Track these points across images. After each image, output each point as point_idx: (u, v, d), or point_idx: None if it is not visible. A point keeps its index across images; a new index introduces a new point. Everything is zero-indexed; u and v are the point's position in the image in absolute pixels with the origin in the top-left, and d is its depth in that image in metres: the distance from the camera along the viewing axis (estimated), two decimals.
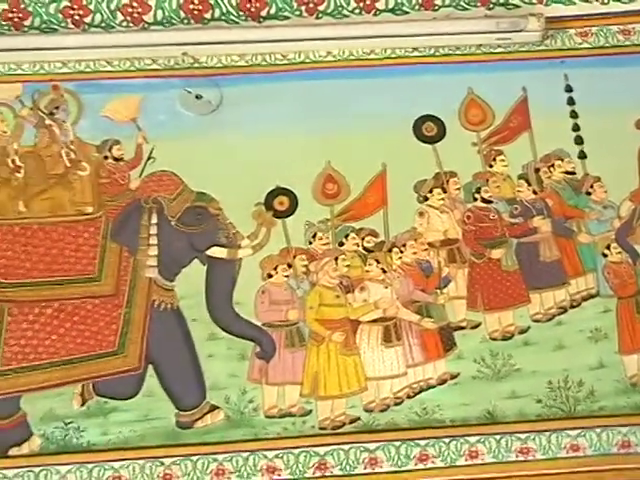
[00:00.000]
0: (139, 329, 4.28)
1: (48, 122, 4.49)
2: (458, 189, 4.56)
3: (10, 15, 4.53)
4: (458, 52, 4.70)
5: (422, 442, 4.18)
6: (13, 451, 4.07)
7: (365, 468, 4.14)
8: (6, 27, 4.53)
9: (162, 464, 4.08)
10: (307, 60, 4.64)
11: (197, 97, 4.58)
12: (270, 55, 4.63)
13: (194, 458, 4.10)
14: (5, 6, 4.52)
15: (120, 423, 4.12)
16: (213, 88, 4.58)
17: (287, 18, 4.64)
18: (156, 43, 4.54)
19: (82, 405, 4.16)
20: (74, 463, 4.05)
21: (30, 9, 4.54)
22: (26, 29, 4.54)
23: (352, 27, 4.62)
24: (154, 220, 4.41)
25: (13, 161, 4.44)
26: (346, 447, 4.14)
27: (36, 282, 4.28)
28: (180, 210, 4.43)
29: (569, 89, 4.70)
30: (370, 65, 4.66)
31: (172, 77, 4.57)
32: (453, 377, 4.30)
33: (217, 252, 4.39)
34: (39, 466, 4.04)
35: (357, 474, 4.12)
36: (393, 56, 4.65)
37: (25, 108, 4.50)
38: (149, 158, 4.48)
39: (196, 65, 4.61)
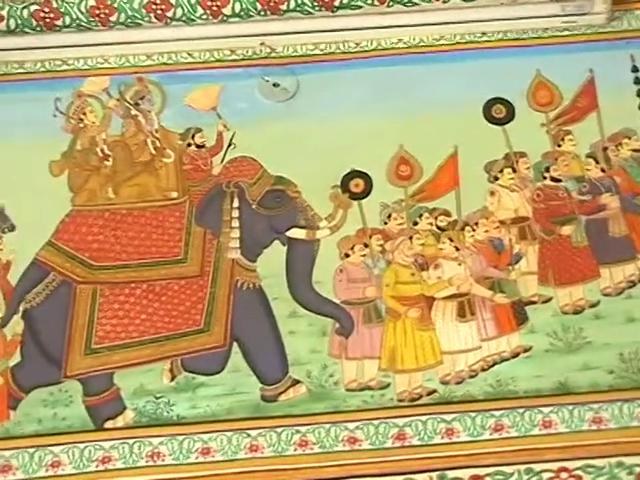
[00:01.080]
0: (223, 308, 4.49)
1: (134, 112, 4.72)
2: (528, 168, 4.69)
3: (97, 12, 4.77)
4: (525, 36, 4.83)
5: (497, 413, 4.30)
6: (108, 424, 4.26)
7: (442, 438, 4.28)
8: (93, 23, 4.77)
9: (249, 436, 4.26)
10: (379, 47, 4.82)
11: (274, 85, 4.78)
12: (343, 43, 4.82)
13: (279, 430, 4.27)
14: (93, 3, 4.76)
15: (208, 397, 4.30)
16: (289, 76, 4.77)
17: (359, 7, 4.81)
18: (234, 34, 4.77)
19: (171, 380, 4.36)
20: (165, 435, 4.23)
21: (115, 5, 4.76)
22: (112, 24, 4.78)
23: (422, 14, 4.80)
24: (236, 204, 4.61)
25: (102, 150, 4.68)
26: (424, 418, 4.29)
27: (126, 264, 4.50)
28: (260, 194, 4.63)
29: (635, 69, 4.81)
30: (440, 50, 4.82)
31: (250, 67, 4.79)
32: (526, 350, 4.42)
33: (296, 233, 4.58)
34: (133, 438, 4.22)
35: (435, 444, 4.26)
36: (462, 41, 4.81)
37: (112, 100, 4.74)
38: (230, 145, 4.69)
39: (273, 55, 4.81)
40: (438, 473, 4.20)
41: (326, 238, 4.53)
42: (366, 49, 4.79)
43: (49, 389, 4.30)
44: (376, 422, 4.27)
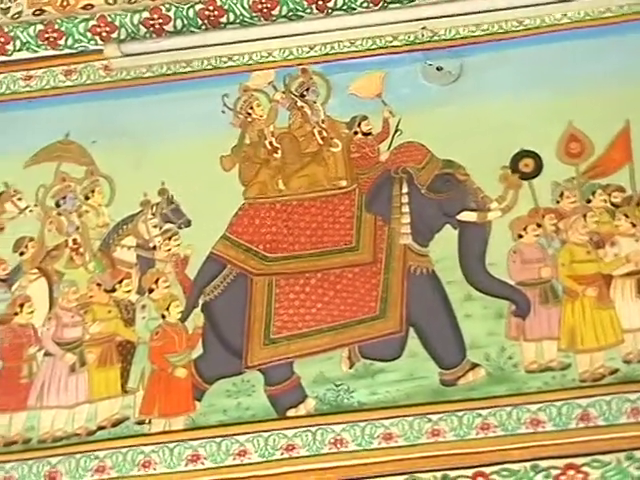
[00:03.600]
0: (398, 294, 4.49)
1: (300, 104, 4.77)
2: None
3: (259, 6, 4.83)
4: None
5: None
6: (291, 412, 4.33)
7: (628, 418, 4.20)
8: (256, 18, 4.84)
9: (429, 420, 4.26)
10: (543, 24, 4.74)
11: (438, 69, 4.75)
12: (506, 22, 4.76)
13: (459, 414, 4.25)
14: None
15: (387, 383, 4.32)
16: (453, 59, 4.73)
17: None
18: (396, 21, 4.76)
19: (350, 367, 4.40)
20: (347, 422, 4.27)
21: None
22: (274, 18, 4.84)
23: None
24: (405, 189, 4.61)
25: (270, 143, 4.74)
26: (607, 398, 4.21)
27: (299, 255, 4.57)
28: (429, 178, 4.62)
29: None
30: (606, 24, 4.71)
31: (413, 52, 4.78)
32: None
33: (467, 216, 4.55)
34: (315, 426, 4.29)
35: (621, 424, 4.18)
36: (629, 12, 4.70)
37: (278, 92, 4.80)
38: (396, 131, 4.69)
39: (435, 38, 4.79)
40: (625, 454, 4.13)
41: (498, 220, 4.49)
42: (529, 27, 4.72)
43: (232, 380, 4.39)
44: (558, 403, 4.21)
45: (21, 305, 4.59)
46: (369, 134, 4.70)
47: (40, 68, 4.90)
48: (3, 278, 4.65)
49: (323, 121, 4.72)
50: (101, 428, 4.38)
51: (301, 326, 4.47)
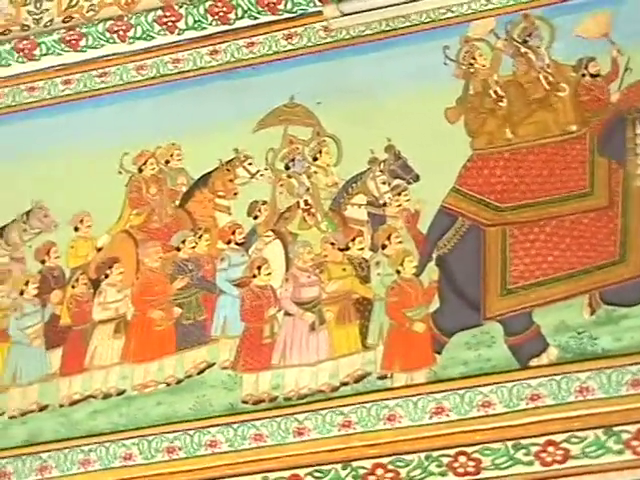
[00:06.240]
0: (637, 237, 4.34)
1: (523, 50, 4.68)
2: None
3: None
4: None
5: None
6: (533, 362, 4.29)
7: None
8: None
9: None
10: None
11: None
12: None
13: None
14: None
15: (632, 328, 4.20)
16: None
17: None
18: None
19: (591, 314, 4.31)
20: (592, 370, 4.18)
21: None
22: None
23: None
24: (639, 130, 4.49)
25: (495, 92, 4.67)
26: None
27: (531, 203, 4.48)
28: None
29: None
30: None
31: None
32: None
33: None
34: (559, 374, 4.21)
35: None
36: None
37: (500, 40, 4.71)
38: (626, 69, 4.54)
39: None
40: None
41: None
42: None
43: (471, 332, 4.37)
44: None
45: (259, 267, 4.71)
46: (597, 75, 4.56)
47: (261, 34, 5.00)
48: (240, 242, 4.78)
49: (548, 66, 4.61)
50: (344, 384, 4.44)
51: (538, 275, 4.40)
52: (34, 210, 5.05)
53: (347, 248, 4.62)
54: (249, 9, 4.99)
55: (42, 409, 4.74)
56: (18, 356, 4.86)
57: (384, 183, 4.69)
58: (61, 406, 4.73)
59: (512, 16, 4.70)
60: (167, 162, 4.99)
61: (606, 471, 4.08)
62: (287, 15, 4.95)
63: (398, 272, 4.52)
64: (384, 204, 4.65)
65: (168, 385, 4.64)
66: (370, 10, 4.83)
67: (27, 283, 4.94)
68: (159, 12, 5.06)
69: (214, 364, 4.60)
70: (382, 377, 4.40)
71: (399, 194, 4.64)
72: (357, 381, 4.41)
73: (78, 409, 4.70)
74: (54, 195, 5.04)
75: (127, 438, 4.56)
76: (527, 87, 4.63)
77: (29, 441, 4.69)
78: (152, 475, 4.50)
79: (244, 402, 4.52)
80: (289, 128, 4.84)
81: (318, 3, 4.89)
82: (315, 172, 4.79)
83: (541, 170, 4.52)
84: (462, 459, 4.21)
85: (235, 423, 4.48)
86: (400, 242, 4.57)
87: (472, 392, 4.26)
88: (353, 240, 4.62)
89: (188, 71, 5.05)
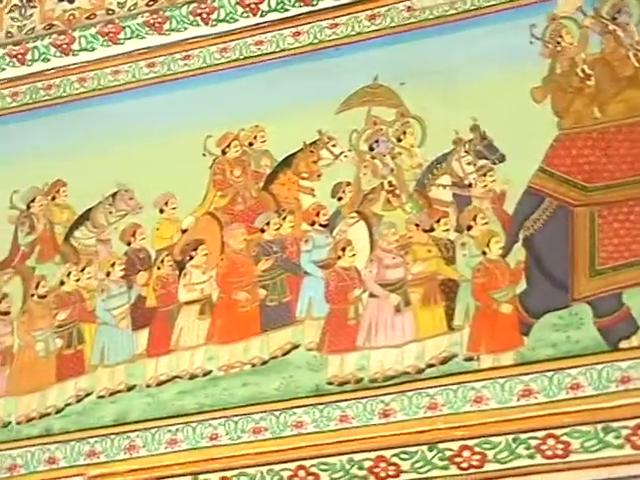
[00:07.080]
0: None
1: (612, 27, 4.60)
2: None
3: None
4: None
5: None
6: (623, 344, 4.23)
7: None
8: None
9: None
10: None
11: None
12: None
13: None
14: None
15: None
16: None
17: None
18: None
19: None
20: None
21: None
22: None
23: None
24: None
25: (582, 70, 4.60)
26: None
27: (621, 182, 4.41)
28: None
29: None
30: None
31: None
32: None
33: None
34: None
35: None
36: None
37: (587, 18, 4.64)
38: None
39: None
40: None
41: None
42: None
43: (559, 313, 4.32)
44: None
45: (343, 249, 4.69)
46: None
47: (344, 15, 4.96)
48: (324, 223, 4.77)
49: (638, 43, 4.55)
50: (430, 366, 4.42)
51: (628, 255, 4.33)
52: (120, 192, 5.12)
53: (432, 229, 4.59)
54: None
55: (130, 389, 4.81)
56: (105, 337, 4.92)
57: (469, 164, 4.65)
58: (148, 386, 4.76)
59: None
60: (251, 144, 5.02)
61: None
62: None
63: (484, 253, 4.48)
64: (469, 185, 4.61)
65: (253, 366, 4.66)
66: None
67: (113, 265, 5.01)
68: None
69: (299, 345, 4.61)
70: (469, 359, 4.37)
71: (484, 174, 4.59)
72: (443, 363, 4.39)
73: (165, 389, 4.72)
74: (139, 178, 5.06)
75: (214, 418, 4.59)
76: (615, 65, 4.56)
77: (118, 420, 4.74)
78: (238, 455, 4.53)
79: (329, 383, 4.52)
80: (372, 109, 4.81)
81: None
82: (399, 153, 4.75)
83: (630, 149, 4.43)
84: (550, 442, 4.17)
85: (321, 404, 4.47)
86: (486, 223, 4.52)
87: (560, 374, 4.21)
88: (438, 221, 4.59)
89: (271, 53, 5.06)
